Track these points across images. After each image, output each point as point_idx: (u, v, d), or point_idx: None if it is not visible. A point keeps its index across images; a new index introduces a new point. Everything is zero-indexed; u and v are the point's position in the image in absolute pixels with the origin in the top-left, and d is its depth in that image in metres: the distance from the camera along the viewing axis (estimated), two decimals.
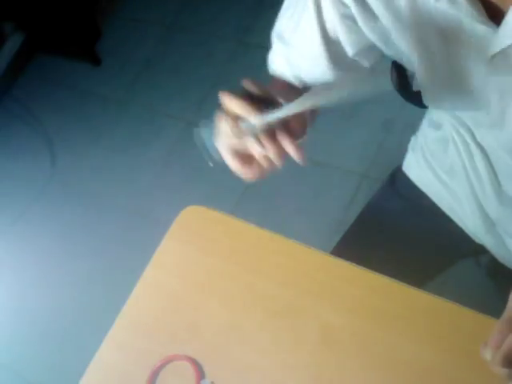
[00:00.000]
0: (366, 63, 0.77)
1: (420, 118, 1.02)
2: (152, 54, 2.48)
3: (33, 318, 1.99)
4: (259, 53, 2.40)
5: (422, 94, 0.81)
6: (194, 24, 2.49)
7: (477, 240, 0.98)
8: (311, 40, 0.76)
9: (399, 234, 1.02)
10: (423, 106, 1.03)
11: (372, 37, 0.72)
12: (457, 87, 0.71)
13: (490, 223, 0.92)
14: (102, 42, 2.56)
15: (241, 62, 2.30)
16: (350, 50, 0.75)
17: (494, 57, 0.63)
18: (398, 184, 1.05)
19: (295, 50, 0.80)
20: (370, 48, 0.74)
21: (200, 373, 0.82)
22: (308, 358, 0.79)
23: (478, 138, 0.84)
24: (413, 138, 1.04)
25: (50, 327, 1.96)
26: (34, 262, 2.09)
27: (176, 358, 0.84)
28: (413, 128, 1.04)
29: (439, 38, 0.66)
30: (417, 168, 1.01)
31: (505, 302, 1.13)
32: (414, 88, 1.05)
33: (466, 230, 0.98)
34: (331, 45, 0.75)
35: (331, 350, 0.79)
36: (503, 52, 0.62)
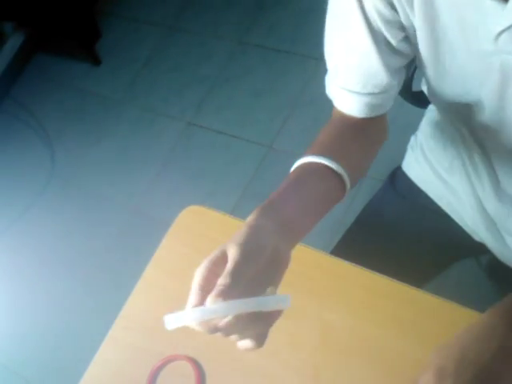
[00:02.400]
0: (407, 49, 0.75)
1: (419, 118, 1.02)
2: (152, 54, 2.48)
3: (33, 317, 1.99)
4: (259, 53, 2.43)
5: (425, 82, 0.80)
6: (193, 24, 2.49)
7: (476, 238, 0.98)
8: (357, 33, 0.73)
9: (399, 234, 1.02)
10: (423, 106, 1.03)
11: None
12: (460, 69, 0.70)
13: (489, 220, 0.92)
14: (101, 42, 2.56)
15: (240, 63, 2.30)
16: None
17: (500, 34, 0.62)
18: (397, 184, 1.05)
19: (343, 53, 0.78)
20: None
21: (200, 373, 0.82)
22: (308, 358, 0.79)
23: (479, 136, 0.84)
24: (412, 138, 1.04)
25: (50, 327, 1.96)
26: (33, 262, 2.09)
27: (176, 358, 0.84)
28: (412, 128, 1.04)
29: (447, 14, 0.66)
30: (416, 166, 1.01)
31: None
32: (414, 88, 1.05)
33: (466, 229, 0.98)
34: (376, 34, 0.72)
35: (331, 350, 0.79)
36: (510, 29, 0.61)
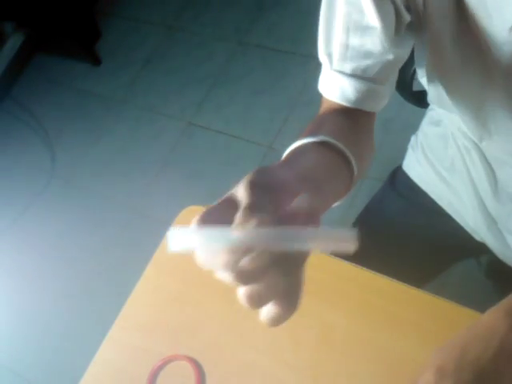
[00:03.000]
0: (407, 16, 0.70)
1: (420, 118, 1.02)
2: (152, 54, 2.48)
3: (33, 317, 1.99)
4: (258, 53, 2.43)
5: (428, 84, 0.78)
6: (193, 24, 2.49)
7: (477, 237, 0.98)
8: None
9: (399, 234, 1.02)
10: (423, 106, 1.03)
11: None
12: (469, 65, 0.69)
13: (490, 220, 0.92)
14: (101, 42, 2.57)
15: (240, 63, 2.30)
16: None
17: None
18: (398, 184, 1.05)
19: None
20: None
21: (200, 373, 0.82)
22: (308, 358, 0.79)
23: (478, 134, 0.84)
24: (413, 137, 1.04)
25: (50, 327, 1.96)
26: (33, 262, 2.10)
27: (176, 358, 0.84)
28: (412, 128, 1.04)
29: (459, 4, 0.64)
30: (417, 166, 1.01)
31: None
32: (415, 88, 1.05)
33: (467, 228, 0.98)
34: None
35: (331, 350, 0.79)
36: None
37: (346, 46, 0.72)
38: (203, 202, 0.98)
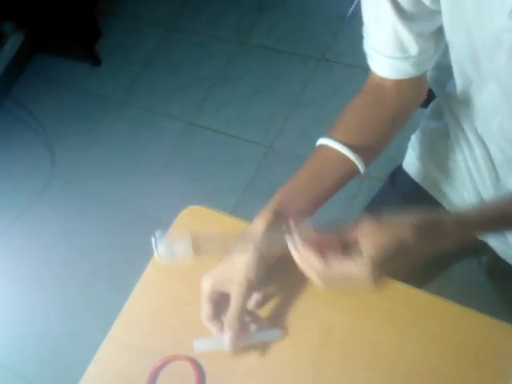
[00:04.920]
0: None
1: (420, 118, 1.02)
2: (152, 54, 2.48)
3: (33, 317, 1.99)
4: (258, 53, 2.42)
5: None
6: (193, 25, 2.49)
7: (478, 236, 0.98)
8: None
9: None
10: (424, 105, 1.03)
11: None
12: (471, 43, 0.70)
13: None
14: (101, 42, 2.57)
15: (240, 63, 2.31)
16: None
17: None
18: (398, 183, 1.05)
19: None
20: None
21: (200, 373, 0.82)
22: (308, 358, 0.79)
23: (479, 130, 0.84)
24: (413, 137, 1.04)
25: (50, 327, 1.96)
26: (33, 262, 2.10)
27: (176, 358, 0.84)
28: (413, 127, 1.04)
29: None
30: (417, 164, 1.01)
31: (505, 302, 1.13)
32: None
33: None
34: None
35: (331, 350, 0.79)
36: None
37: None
38: (203, 202, 0.98)
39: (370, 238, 0.65)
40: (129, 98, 2.40)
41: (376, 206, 1.07)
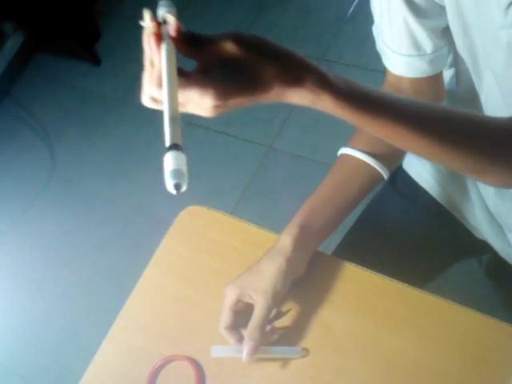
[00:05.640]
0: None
1: None
2: None
3: (33, 317, 1.99)
4: None
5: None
6: (193, 24, 2.49)
7: (478, 235, 0.98)
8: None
9: (400, 234, 1.02)
10: None
11: None
12: (469, 41, 0.71)
13: (491, 217, 0.92)
14: (101, 41, 2.56)
15: None
16: None
17: (508, 7, 0.62)
18: (398, 183, 1.05)
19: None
20: None
21: (200, 373, 0.82)
22: (308, 358, 0.79)
23: None
24: None
25: (50, 327, 1.96)
26: (33, 262, 2.09)
27: (176, 358, 0.84)
28: None
29: None
30: (417, 164, 1.01)
31: (505, 302, 1.13)
32: None
33: (468, 226, 0.98)
34: None
35: (331, 350, 0.79)
36: None
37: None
38: (203, 202, 0.98)
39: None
40: (129, 97, 2.40)
41: (376, 206, 1.07)
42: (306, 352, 0.79)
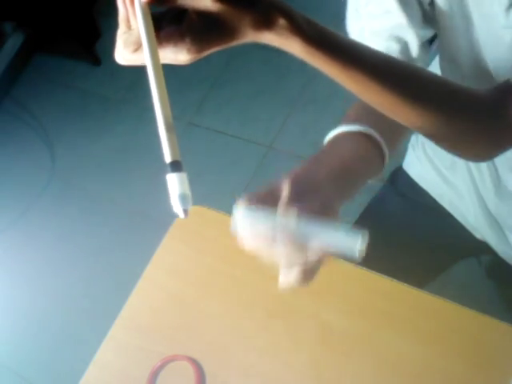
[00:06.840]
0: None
1: None
2: None
3: (33, 317, 1.99)
4: (259, 53, 2.42)
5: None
6: None
7: (478, 236, 0.98)
8: None
9: (400, 234, 1.02)
10: None
11: None
12: (472, 42, 0.70)
13: (491, 217, 0.92)
14: (101, 41, 2.56)
15: (241, 62, 2.30)
16: None
17: (509, 7, 0.62)
18: (398, 183, 1.05)
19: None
20: None
21: (200, 373, 0.82)
22: (308, 358, 0.79)
23: None
24: (413, 136, 1.04)
25: (50, 327, 1.96)
26: (34, 262, 2.09)
27: (176, 358, 0.84)
28: None
29: None
30: (418, 165, 1.01)
31: (505, 302, 1.13)
32: None
33: (468, 226, 0.98)
34: None
35: (331, 350, 0.79)
36: None
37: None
38: (203, 202, 0.98)
39: None
40: (129, 97, 2.40)
41: (376, 206, 1.07)
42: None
